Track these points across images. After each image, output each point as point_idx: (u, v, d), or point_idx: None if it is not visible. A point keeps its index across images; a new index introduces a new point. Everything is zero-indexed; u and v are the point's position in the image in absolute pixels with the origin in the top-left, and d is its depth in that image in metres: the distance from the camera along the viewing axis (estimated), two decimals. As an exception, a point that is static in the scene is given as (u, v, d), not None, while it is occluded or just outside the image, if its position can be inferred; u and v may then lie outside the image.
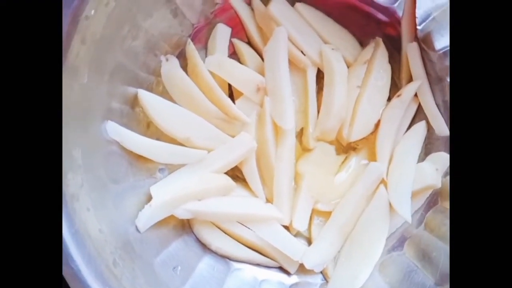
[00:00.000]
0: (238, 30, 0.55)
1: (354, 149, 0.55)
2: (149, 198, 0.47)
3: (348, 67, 0.53)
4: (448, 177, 0.52)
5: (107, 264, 0.40)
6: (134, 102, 0.48)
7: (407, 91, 0.52)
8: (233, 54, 0.55)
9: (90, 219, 0.40)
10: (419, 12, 0.51)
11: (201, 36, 0.54)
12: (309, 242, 0.53)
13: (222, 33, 0.53)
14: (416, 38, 0.52)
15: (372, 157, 0.53)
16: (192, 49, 0.51)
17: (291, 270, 0.52)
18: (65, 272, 0.37)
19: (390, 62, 0.54)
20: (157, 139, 0.48)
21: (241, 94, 0.52)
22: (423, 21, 0.51)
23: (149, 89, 0.49)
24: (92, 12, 0.39)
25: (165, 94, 0.50)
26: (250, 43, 0.55)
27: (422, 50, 0.52)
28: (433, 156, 0.52)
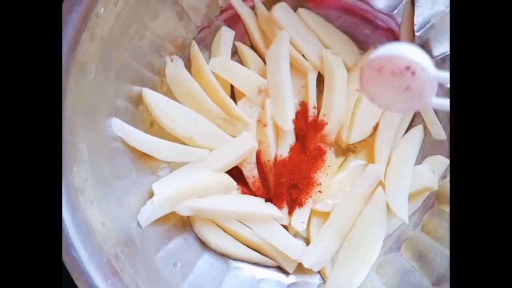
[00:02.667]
0: (242, 33, 0.56)
1: (353, 151, 0.55)
2: (151, 195, 0.48)
3: (348, 71, 0.54)
4: (444, 180, 0.53)
5: (109, 257, 0.40)
6: (138, 100, 0.49)
7: (405, 95, 0.53)
8: (236, 56, 0.56)
9: (94, 212, 0.41)
10: (418, 20, 0.52)
11: (205, 38, 0.55)
12: (308, 242, 0.53)
13: (225, 36, 0.54)
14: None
15: (371, 159, 0.54)
16: (196, 51, 0.52)
17: (290, 270, 0.53)
18: (68, 263, 0.37)
19: (389, 67, 0.55)
20: (160, 137, 0.49)
21: (243, 95, 0.53)
22: (422, 28, 0.52)
23: (154, 88, 0.50)
24: (102, 10, 0.40)
25: (169, 94, 0.51)
26: (252, 46, 0.56)
27: (420, 56, 0.54)
28: (430, 159, 0.53)
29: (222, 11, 0.55)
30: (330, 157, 0.54)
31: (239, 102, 0.53)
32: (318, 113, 0.54)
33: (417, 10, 0.52)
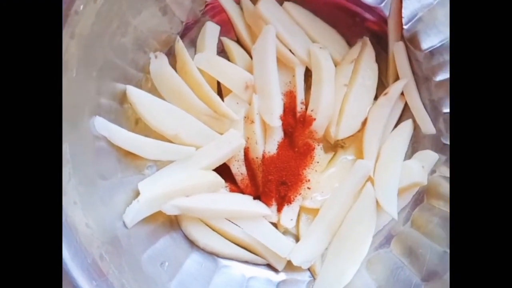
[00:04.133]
0: (227, 28, 0.55)
1: (342, 147, 0.55)
2: (137, 194, 0.47)
3: (335, 66, 0.53)
4: (434, 175, 0.52)
5: (94, 258, 0.40)
6: (122, 98, 0.48)
7: (394, 89, 0.52)
8: (222, 52, 0.55)
9: (77, 213, 0.40)
10: (406, 12, 0.51)
11: (190, 34, 0.54)
12: (297, 239, 0.53)
13: (211, 31, 0.54)
14: (402, 38, 0.53)
15: (360, 154, 0.53)
16: (181, 47, 0.51)
17: (279, 267, 0.52)
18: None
19: (377, 61, 0.54)
20: (146, 135, 0.48)
21: (229, 91, 0.52)
22: (409, 21, 0.52)
23: (138, 85, 0.49)
24: (81, 7, 0.39)
25: (153, 91, 0.50)
26: (238, 41, 0.56)
27: (408, 49, 0.53)
28: (420, 154, 0.53)
29: (207, 6, 0.54)
30: (319, 153, 0.54)
31: (225, 99, 0.52)
32: (306, 109, 0.53)
33: (404, 3, 0.51)
